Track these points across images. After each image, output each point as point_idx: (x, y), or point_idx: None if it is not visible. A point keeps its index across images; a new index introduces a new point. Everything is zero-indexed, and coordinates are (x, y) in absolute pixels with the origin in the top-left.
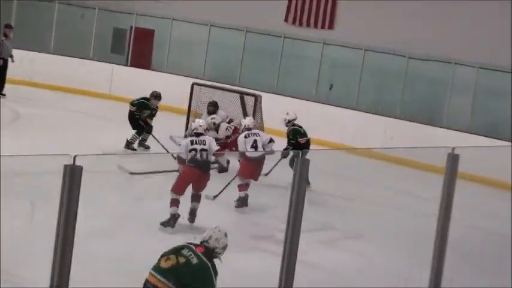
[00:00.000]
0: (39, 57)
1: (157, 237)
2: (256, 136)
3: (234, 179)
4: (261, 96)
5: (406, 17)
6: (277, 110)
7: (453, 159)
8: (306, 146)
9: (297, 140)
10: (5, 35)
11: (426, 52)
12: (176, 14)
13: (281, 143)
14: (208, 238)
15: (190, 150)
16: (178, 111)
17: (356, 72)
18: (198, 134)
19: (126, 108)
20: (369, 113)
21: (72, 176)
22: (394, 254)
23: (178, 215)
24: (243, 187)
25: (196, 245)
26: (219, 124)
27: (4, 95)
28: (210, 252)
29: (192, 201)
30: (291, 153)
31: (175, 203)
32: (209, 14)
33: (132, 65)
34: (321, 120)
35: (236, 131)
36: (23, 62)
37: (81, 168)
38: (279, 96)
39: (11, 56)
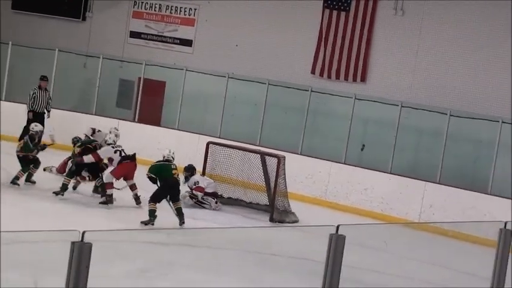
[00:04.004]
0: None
1: None
2: None
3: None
4: (284, 157)
5: (447, 69)
6: (302, 172)
7: (505, 235)
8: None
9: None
10: (39, 87)
11: (470, 109)
12: (190, 64)
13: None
14: None
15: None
16: None
17: (391, 130)
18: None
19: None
20: (405, 176)
21: (81, 254)
22: None
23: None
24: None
25: None
26: None
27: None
28: None
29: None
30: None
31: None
32: (227, 64)
33: (139, 121)
34: (351, 185)
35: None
36: (19, 116)
37: (90, 246)
38: (304, 157)
39: (48, 111)
